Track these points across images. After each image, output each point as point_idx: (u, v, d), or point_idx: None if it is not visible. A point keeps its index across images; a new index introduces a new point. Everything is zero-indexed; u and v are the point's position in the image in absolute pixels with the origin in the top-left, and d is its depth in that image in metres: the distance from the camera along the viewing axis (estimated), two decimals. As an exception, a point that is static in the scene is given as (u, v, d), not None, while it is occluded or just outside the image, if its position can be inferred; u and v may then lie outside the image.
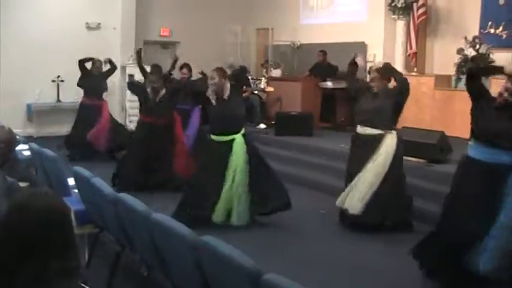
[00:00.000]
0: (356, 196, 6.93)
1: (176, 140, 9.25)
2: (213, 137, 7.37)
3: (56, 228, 2.17)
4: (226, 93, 7.31)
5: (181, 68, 10.74)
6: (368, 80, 7.17)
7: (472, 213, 5.05)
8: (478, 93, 5.31)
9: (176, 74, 10.85)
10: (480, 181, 5.09)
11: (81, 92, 11.76)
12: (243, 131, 7.34)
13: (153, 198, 7.58)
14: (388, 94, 7.12)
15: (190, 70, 10.82)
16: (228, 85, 7.32)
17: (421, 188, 7.91)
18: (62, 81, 14.06)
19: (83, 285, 2.24)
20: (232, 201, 7.13)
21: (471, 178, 5.18)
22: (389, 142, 7.00)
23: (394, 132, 7.10)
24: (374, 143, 7.01)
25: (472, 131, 5.32)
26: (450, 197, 5.42)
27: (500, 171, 5.01)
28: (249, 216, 7.25)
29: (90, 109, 11.44)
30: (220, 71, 7.40)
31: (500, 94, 5.11)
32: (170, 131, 9.20)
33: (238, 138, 7.21)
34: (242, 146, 7.20)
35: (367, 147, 7.03)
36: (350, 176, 7.19)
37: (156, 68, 9.36)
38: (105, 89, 11.90)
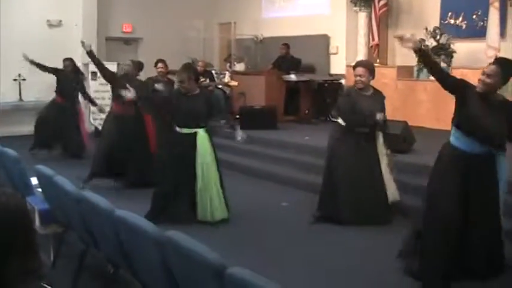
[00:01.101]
0: (393, 186, 7.30)
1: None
2: (177, 128, 7.32)
3: (17, 228, 2.15)
4: (197, 90, 7.31)
5: (156, 63, 10.53)
6: (354, 74, 7.24)
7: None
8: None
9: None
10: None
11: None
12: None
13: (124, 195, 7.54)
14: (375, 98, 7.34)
15: (166, 65, 10.59)
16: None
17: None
18: (24, 79, 13.86)
19: (46, 286, 2.24)
20: (206, 197, 7.10)
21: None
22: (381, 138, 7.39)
23: None
24: (371, 140, 7.29)
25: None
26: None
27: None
28: (226, 210, 7.28)
29: (62, 109, 11.32)
30: (186, 71, 7.27)
31: (479, 80, 5.05)
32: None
33: (201, 132, 7.17)
34: (206, 140, 7.18)
35: (365, 145, 7.28)
36: (336, 170, 7.23)
37: (135, 62, 9.48)
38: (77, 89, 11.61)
